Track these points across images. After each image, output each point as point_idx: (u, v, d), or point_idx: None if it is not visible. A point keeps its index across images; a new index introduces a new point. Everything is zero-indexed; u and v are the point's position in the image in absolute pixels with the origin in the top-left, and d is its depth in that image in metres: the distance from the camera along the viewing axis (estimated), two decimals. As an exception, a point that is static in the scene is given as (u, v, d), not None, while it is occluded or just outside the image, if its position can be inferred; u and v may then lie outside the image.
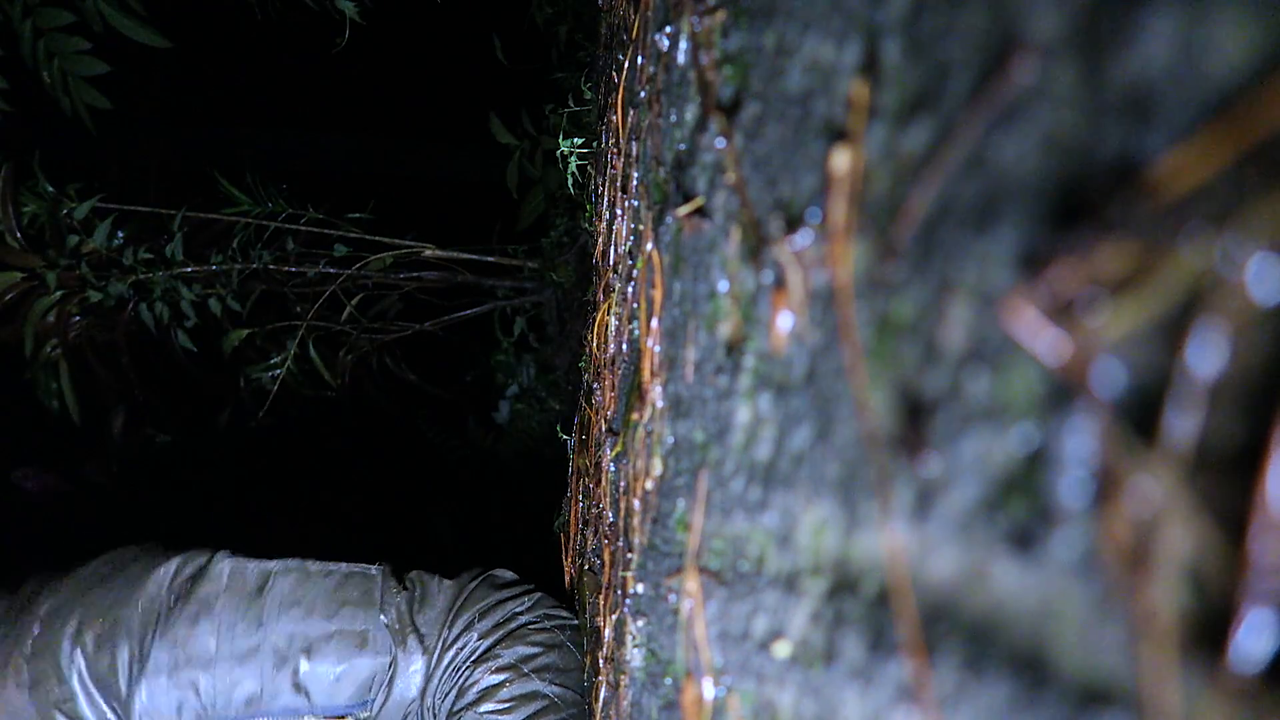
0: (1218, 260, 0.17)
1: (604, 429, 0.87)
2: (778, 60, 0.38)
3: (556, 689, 0.98)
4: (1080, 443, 0.20)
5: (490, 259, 2.19)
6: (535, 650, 1.00)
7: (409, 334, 2.30)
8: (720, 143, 0.45)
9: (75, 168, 2.29)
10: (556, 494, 1.28)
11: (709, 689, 0.44)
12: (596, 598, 0.85)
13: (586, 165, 1.57)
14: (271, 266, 2.50)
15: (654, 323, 0.60)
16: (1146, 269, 0.18)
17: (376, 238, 2.54)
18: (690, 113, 0.52)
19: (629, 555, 0.66)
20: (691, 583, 0.47)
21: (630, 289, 0.73)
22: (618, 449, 0.76)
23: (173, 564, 1.02)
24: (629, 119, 0.80)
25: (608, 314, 0.93)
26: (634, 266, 0.71)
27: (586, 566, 0.98)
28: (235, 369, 2.58)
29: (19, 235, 2.14)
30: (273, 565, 1.02)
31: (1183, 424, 0.17)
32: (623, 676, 0.67)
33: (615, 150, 0.94)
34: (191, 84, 3.01)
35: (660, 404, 0.58)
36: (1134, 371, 0.18)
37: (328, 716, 0.99)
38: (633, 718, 0.62)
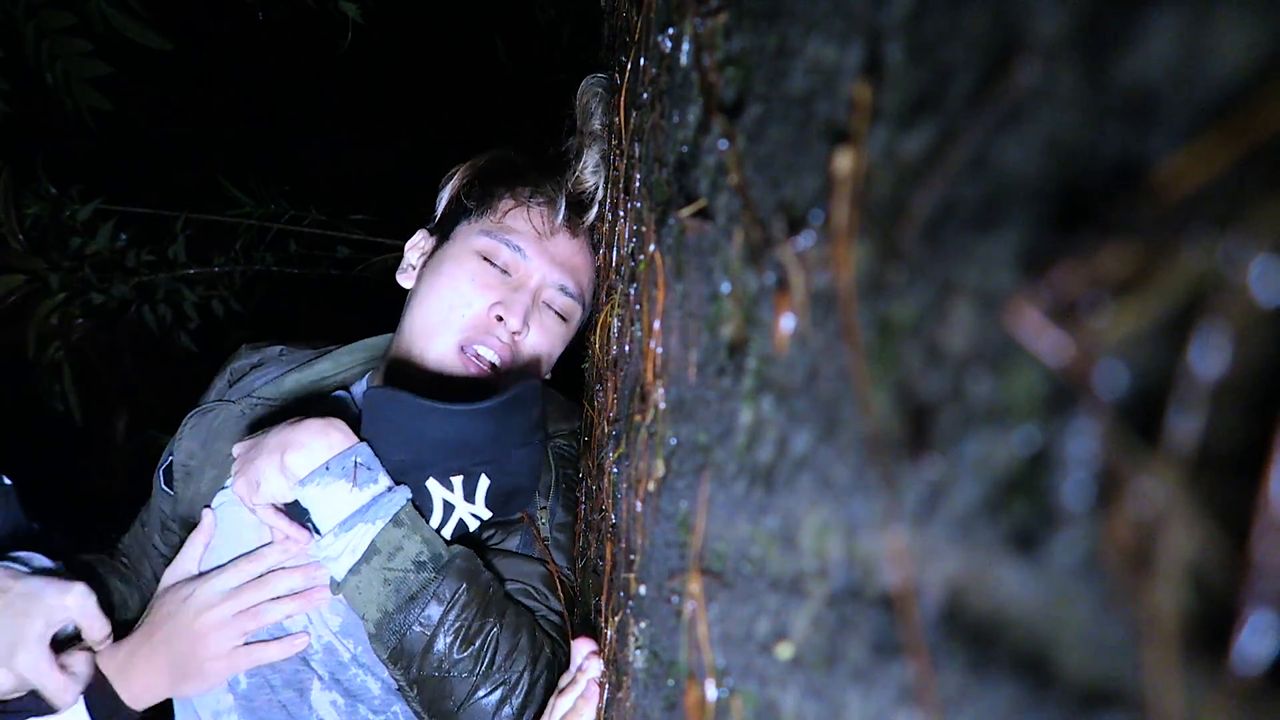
0: (1220, 262, 0.17)
1: (606, 430, 0.88)
2: (780, 62, 0.38)
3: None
4: (1083, 444, 0.20)
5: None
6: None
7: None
8: (723, 144, 0.45)
9: (78, 169, 2.30)
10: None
11: (711, 690, 0.44)
12: (599, 599, 0.85)
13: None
14: (274, 268, 2.51)
15: (656, 324, 0.60)
16: (1149, 270, 0.18)
17: (379, 239, 2.54)
18: (693, 114, 0.52)
19: (631, 557, 0.66)
20: (694, 584, 0.47)
21: (632, 290, 0.73)
22: (620, 450, 0.76)
23: None
24: (631, 120, 0.80)
25: (610, 315, 0.93)
26: (636, 268, 0.71)
27: (589, 568, 0.98)
28: (237, 370, 2.58)
29: (21, 237, 2.14)
30: None
31: (1185, 425, 0.17)
32: (625, 678, 0.67)
33: (618, 152, 0.94)
34: (193, 86, 3.02)
35: (663, 405, 0.58)
36: (1136, 373, 0.18)
37: None
38: (635, 719, 0.62)
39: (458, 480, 1.03)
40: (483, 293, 1.14)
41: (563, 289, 1.18)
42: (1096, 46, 0.20)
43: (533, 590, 1.06)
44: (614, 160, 0.99)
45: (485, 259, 1.16)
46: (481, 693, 0.95)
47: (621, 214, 0.87)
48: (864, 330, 0.29)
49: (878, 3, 0.29)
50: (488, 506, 1.05)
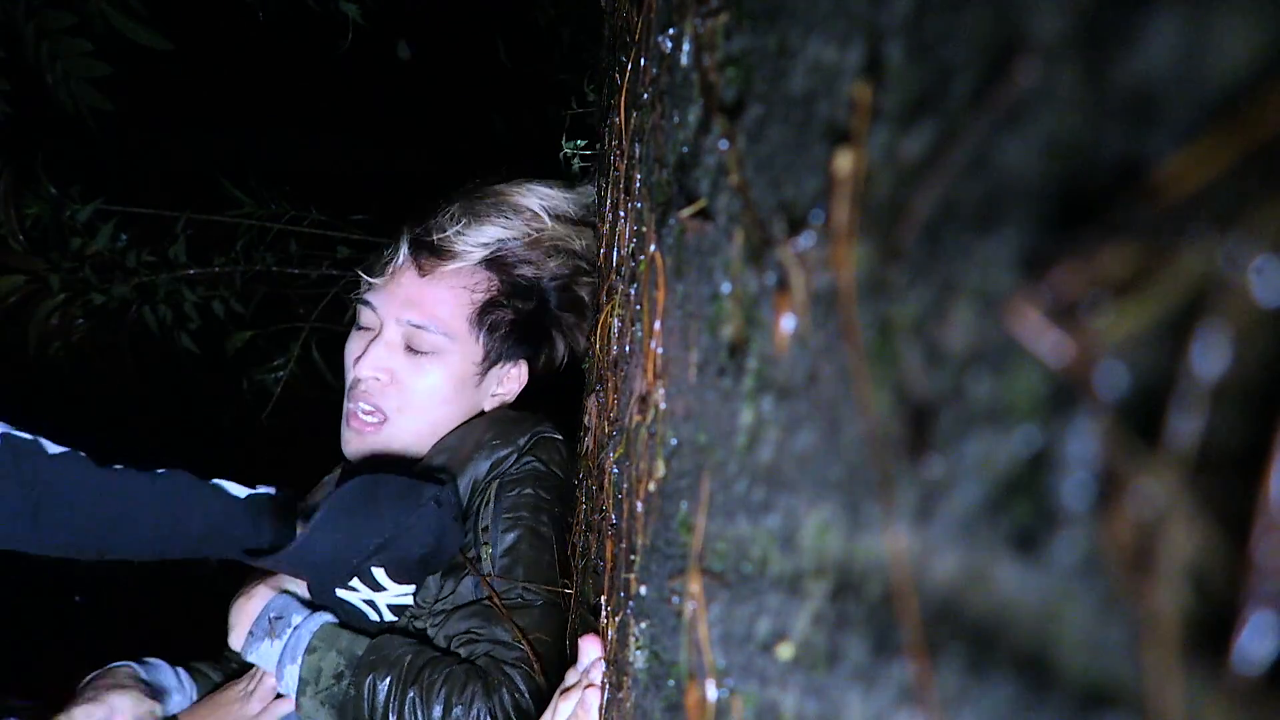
0: (1221, 262, 0.17)
1: (607, 431, 0.88)
2: (780, 62, 0.38)
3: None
4: (1083, 444, 0.20)
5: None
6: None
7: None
8: (723, 144, 0.45)
9: (78, 170, 2.29)
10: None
11: (712, 691, 0.44)
12: (599, 599, 0.85)
13: (589, 167, 1.57)
14: (274, 268, 2.51)
15: (656, 325, 0.60)
16: (1149, 271, 0.18)
17: (379, 239, 2.54)
18: (693, 114, 0.52)
19: (632, 557, 0.66)
20: (694, 584, 0.47)
21: (633, 291, 0.73)
22: (620, 451, 0.76)
23: None
24: (632, 121, 0.80)
25: (610, 316, 0.93)
26: (637, 268, 0.71)
27: (589, 569, 0.98)
28: (238, 371, 2.58)
29: (22, 238, 2.14)
30: None
31: (1186, 426, 0.17)
32: (625, 678, 0.67)
33: (618, 152, 0.94)
34: (194, 86, 3.01)
35: (663, 406, 0.58)
36: (1137, 373, 0.18)
37: None
38: (635, 719, 0.62)
39: (356, 582, 1.15)
40: (351, 351, 1.28)
41: (414, 324, 1.24)
42: (1096, 46, 0.20)
43: (475, 634, 1.11)
44: (614, 161, 0.99)
45: (357, 325, 1.30)
46: None
47: (622, 214, 0.87)
48: (864, 330, 0.29)
49: (878, 3, 0.29)
50: (403, 583, 1.16)
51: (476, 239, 1.26)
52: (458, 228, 1.26)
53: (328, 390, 2.52)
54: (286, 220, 2.49)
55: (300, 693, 1.09)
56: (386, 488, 1.12)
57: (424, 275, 1.25)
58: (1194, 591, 0.17)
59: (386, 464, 1.28)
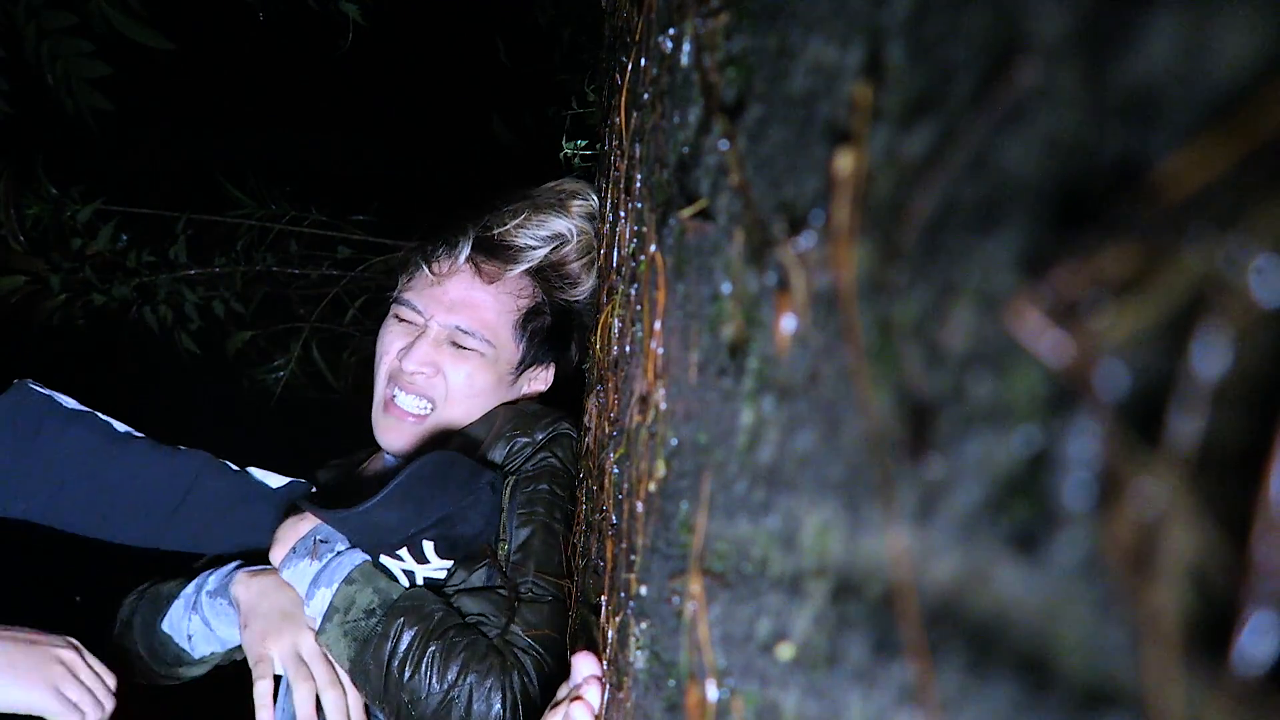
0: (1221, 262, 0.17)
1: (607, 431, 0.88)
2: (781, 62, 0.38)
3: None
4: (1083, 445, 0.20)
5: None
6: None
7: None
8: (723, 145, 0.45)
9: (78, 170, 2.29)
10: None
11: (712, 691, 0.44)
12: (600, 599, 0.85)
13: (590, 167, 1.57)
14: (275, 268, 2.51)
15: (657, 325, 0.60)
16: (1150, 271, 0.18)
17: (379, 239, 2.54)
18: (693, 115, 0.52)
19: (632, 557, 0.66)
20: (695, 585, 0.47)
21: (633, 291, 0.73)
22: (621, 451, 0.76)
23: None
24: (632, 121, 0.80)
25: (611, 316, 0.93)
26: (637, 268, 0.71)
27: (589, 569, 0.98)
28: (238, 371, 2.58)
29: (22, 239, 2.14)
30: None
31: (1186, 426, 0.17)
32: (625, 679, 0.67)
33: (618, 152, 0.94)
34: (194, 86, 3.01)
35: (663, 406, 0.58)
36: (1137, 373, 0.18)
37: None
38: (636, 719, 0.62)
39: (404, 552, 1.17)
40: (392, 342, 1.29)
41: (459, 328, 1.27)
42: (1097, 46, 0.20)
43: (487, 618, 1.13)
44: (614, 161, 0.99)
45: (396, 317, 1.31)
46: (433, 708, 1.06)
47: (622, 214, 0.88)
48: (865, 331, 0.29)
49: (878, 3, 0.29)
50: (444, 559, 1.18)
51: (539, 233, 1.29)
52: (519, 221, 1.28)
53: (328, 390, 2.52)
54: (287, 220, 2.49)
55: (327, 618, 1.10)
56: (457, 468, 1.15)
57: (480, 279, 1.27)
58: (1194, 591, 0.17)
59: (439, 446, 1.30)
